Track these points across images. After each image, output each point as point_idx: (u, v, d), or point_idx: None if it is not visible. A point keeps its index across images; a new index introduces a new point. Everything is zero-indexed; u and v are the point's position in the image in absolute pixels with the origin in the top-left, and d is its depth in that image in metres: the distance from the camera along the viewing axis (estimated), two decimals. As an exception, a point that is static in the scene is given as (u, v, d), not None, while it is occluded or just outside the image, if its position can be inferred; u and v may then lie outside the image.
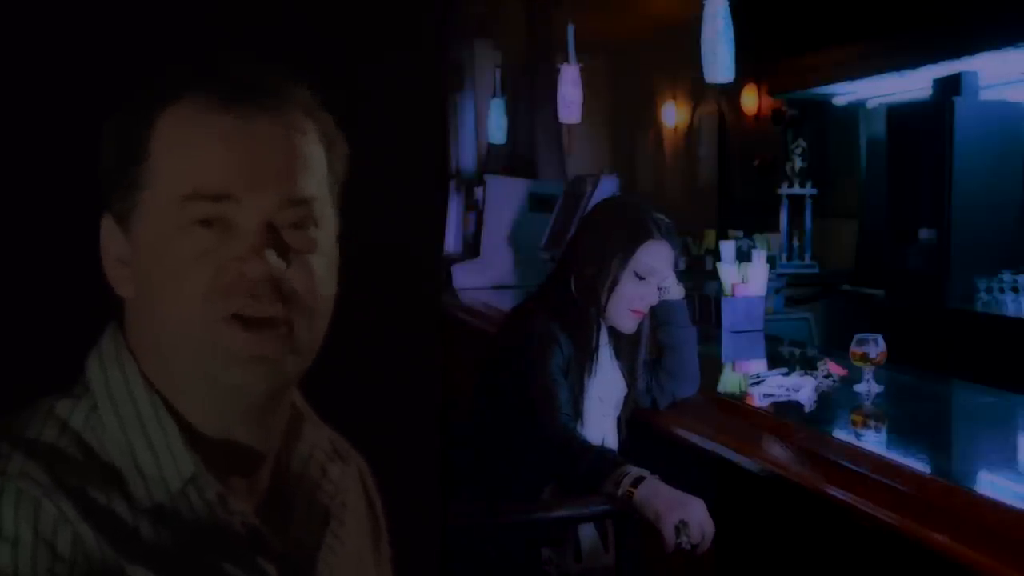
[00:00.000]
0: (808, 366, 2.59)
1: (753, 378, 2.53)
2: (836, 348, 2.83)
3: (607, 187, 4.63)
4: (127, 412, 0.83)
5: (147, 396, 0.84)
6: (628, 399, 2.27)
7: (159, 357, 0.85)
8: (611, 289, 2.15)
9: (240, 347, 0.84)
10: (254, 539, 0.86)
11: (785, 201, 5.53)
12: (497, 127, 6.89)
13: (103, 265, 0.86)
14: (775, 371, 2.56)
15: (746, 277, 3.41)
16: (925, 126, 4.35)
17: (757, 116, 6.10)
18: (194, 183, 0.84)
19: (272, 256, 0.84)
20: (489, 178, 5.49)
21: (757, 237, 4.54)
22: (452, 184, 6.37)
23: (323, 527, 0.95)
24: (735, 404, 2.36)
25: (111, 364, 0.85)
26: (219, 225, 0.84)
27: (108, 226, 0.86)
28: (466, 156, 7.57)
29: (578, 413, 2.12)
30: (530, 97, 6.80)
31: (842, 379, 2.45)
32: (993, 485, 1.78)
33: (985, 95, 4.33)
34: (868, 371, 2.31)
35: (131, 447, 0.82)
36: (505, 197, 5.32)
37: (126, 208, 0.85)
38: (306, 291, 0.87)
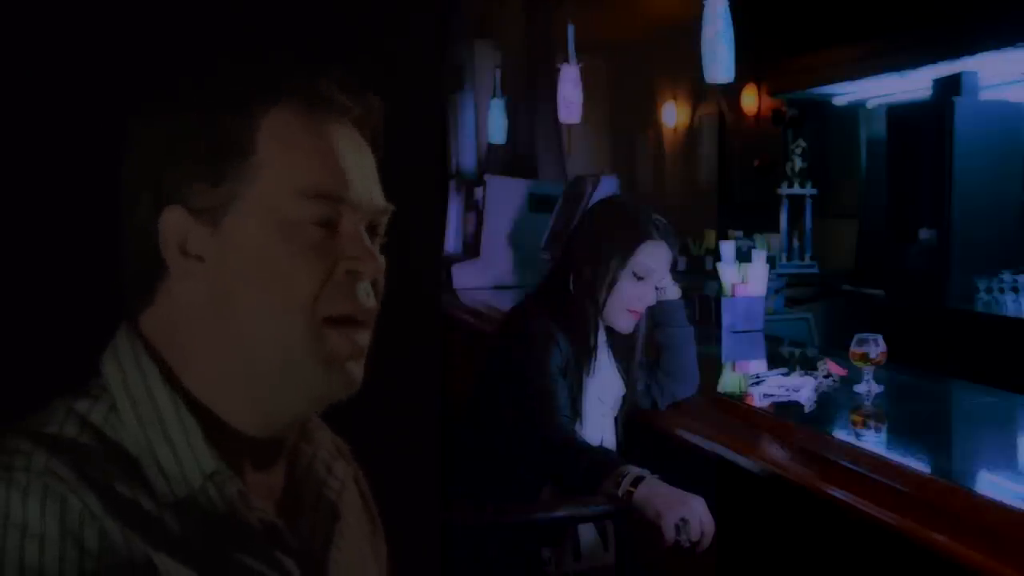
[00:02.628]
0: (808, 366, 2.59)
1: (753, 378, 2.53)
2: (836, 348, 2.83)
3: (607, 187, 4.63)
4: (146, 410, 0.83)
5: (167, 394, 0.84)
6: (626, 399, 2.27)
7: (226, 354, 0.85)
8: (609, 289, 2.15)
9: (342, 348, 0.85)
10: (273, 535, 0.87)
11: (785, 201, 5.53)
12: (497, 127, 6.88)
13: (164, 257, 0.84)
14: (775, 371, 2.56)
15: (746, 277, 3.40)
16: (925, 126, 4.35)
17: (757, 116, 6.10)
18: (313, 182, 0.84)
19: (381, 257, 0.87)
20: (489, 178, 5.49)
21: (757, 237, 4.53)
22: (452, 184, 6.36)
23: (332, 524, 0.95)
24: (735, 404, 2.36)
25: (128, 364, 0.85)
26: (329, 225, 0.85)
27: (177, 218, 0.84)
28: (466, 156, 7.56)
29: (577, 412, 2.12)
30: (530, 97, 6.79)
31: (842, 379, 2.45)
32: (993, 485, 1.78)
33: (985, 95, 4.33)
34: (868, 371, 2.31)
35: (151, 444, 0.82)
36: (505, 197, 5.32)
37: (216, 202, 0.83)
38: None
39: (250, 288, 0.84)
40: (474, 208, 5.66)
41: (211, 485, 0.83)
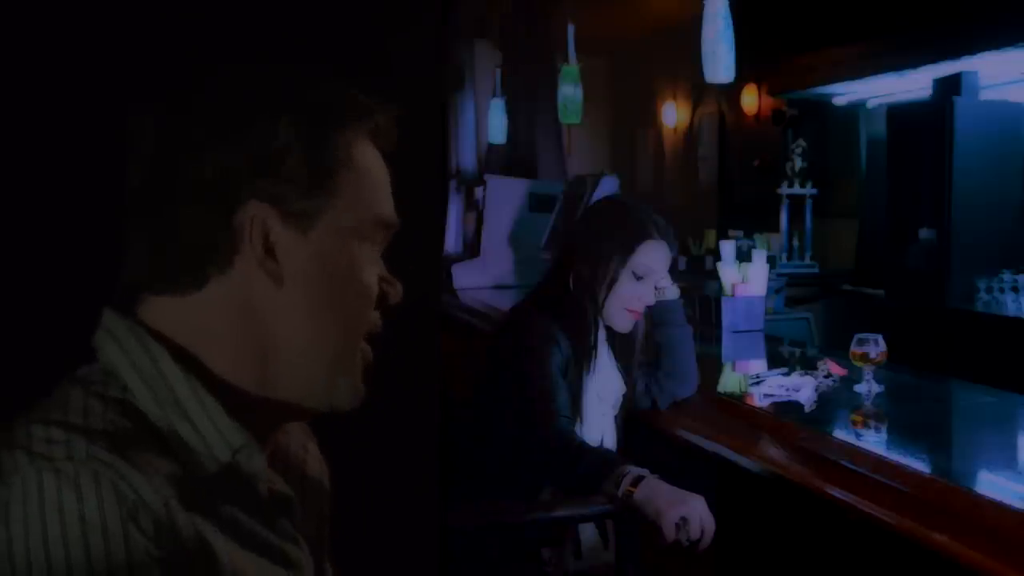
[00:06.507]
0: (808, 366, 2.59)
1: (753, 378, 2.52)
2: (836, 348, 2.83)
3: (607, 187, 4.63)
4: (161, 392, 0.81)
5: (180, 374, 0.82)
6: (626, 398, 2.27)
7: (265, 353, 0.85)
8: (609, 288, 2.15)
9: (364, 361, 0.89)
10: (288, 508, 0.88)
11: (785, 201, 5.53)
12: (497, 127, 6.88)
13: (244, 250, 0.83)
14: (775, 371, 2.56)
15: (746, 277, 3.41)
16: (925, 126, 4.36)
17: (757, 116, 6.10)
18: (383, 205, 0.89)
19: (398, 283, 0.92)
20: (489, 178, 5.49)
21: (757, 237, 4.54)
22: (452, 184, 6.37)
23: (325, 501, 0.97)
24: (735, 404, 2.36)
25: (131, 346, 0.83)
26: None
27: (265, 214, 0.83)
28: (466, 156, 7.55)
29: (577, 411, 2.12)
30: (530, 97, 6.79)
31: (842, 379, 2.45)
32: (993, 485, 1.78)
33: (985, 95, 4.34)
34: (868, 371, 2.31)
35: (171, 422, 0.81)
36: (505, 197, 5.32)
37: (308, 210, 0.84)
38: None
39: (320, 297, 0.85)
40: (474, 208, 5.66)
41: (236, 461, 0.82)
